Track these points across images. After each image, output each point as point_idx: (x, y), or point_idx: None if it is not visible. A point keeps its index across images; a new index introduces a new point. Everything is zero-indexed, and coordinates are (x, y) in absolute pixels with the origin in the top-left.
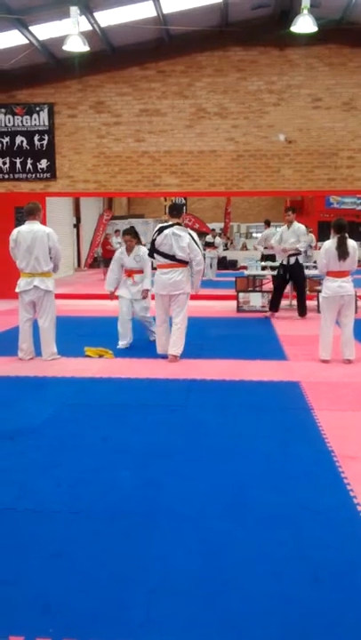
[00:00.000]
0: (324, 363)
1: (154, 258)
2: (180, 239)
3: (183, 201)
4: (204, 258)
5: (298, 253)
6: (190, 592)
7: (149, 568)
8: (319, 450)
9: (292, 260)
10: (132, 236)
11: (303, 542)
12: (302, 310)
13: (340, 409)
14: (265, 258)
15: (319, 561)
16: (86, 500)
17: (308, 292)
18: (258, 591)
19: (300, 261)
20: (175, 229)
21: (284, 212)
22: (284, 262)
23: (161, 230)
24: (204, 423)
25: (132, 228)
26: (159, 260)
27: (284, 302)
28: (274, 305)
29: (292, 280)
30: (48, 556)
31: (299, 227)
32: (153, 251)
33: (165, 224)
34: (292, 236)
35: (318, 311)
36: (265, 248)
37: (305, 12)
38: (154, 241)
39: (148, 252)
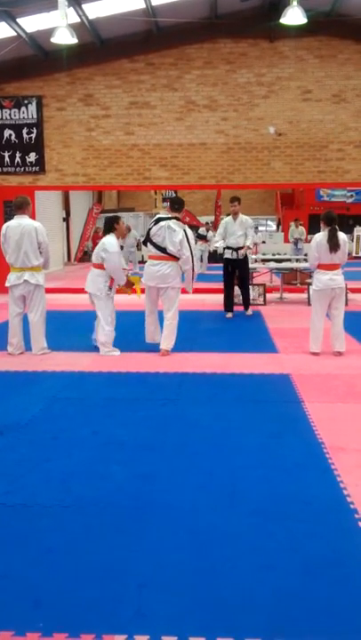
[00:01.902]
0: (315, 355)
1: (147, 247)
2: (174, 234)
3: (174, 194)
4: (192, 253)
5: (246, 248)
6: (181, 585)
7: (140, 562)
8: (309, 442)
9: (241, 253)
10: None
11: (294, 534)
12: (248, 304)
13: (330, 401)
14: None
15: (310, 552)
16: (77, 494)
17: (298, 285)
18: (249, 583)
19: (247, 255)
20: (171, 223)
21: (230, 203)
22: (233, 256)
23: (158, 221)
24: (195, 416)
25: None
26: (150, 250)
27: (274, 295)
28: (230, 305)
29: (236, 274)
30: (39, 550)
31: (246, 219)
32: (147, 240)
33: (164, 215)
34: (239, 228)
35: (309, 304)
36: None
37: (294, 3)
38: (150, 230)
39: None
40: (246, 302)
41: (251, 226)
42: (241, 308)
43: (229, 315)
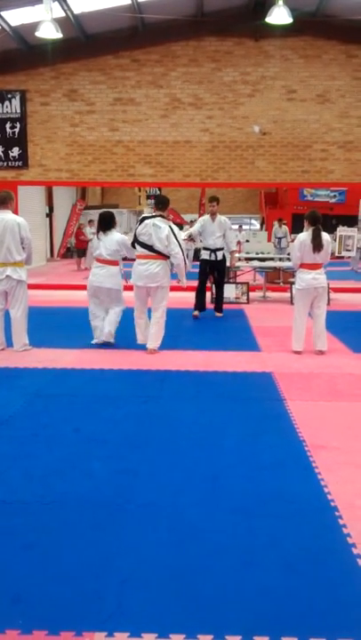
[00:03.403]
0: (297, 354)
1: (135, 248)
2: (160, 230)
3: (158, 191)
4: (181, 247)
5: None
6: (162, 582)
7: (121, 558)
8: (291, 439)
9: (219, 254)
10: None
11: (275, 531)
12: (221, 306)
13: (311, 399)
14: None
15: (291, 549)
16: (58, 490)
17: (281, 284)
18: (230, 580)
19: (226, 256)
20: (156, 220)
21: (209, 203)
22: (211, 258)
23: (143, 220)
24: (177, 414)
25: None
26: (138, 250)
27: (257, 294)
28: (201, 304)
29: (213, 274)
30: (19, 547)
31: (225, 220)
32: (135, 241)
33: (148, 214)
34: (217, 229)
35: (292, 303)
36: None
37: (280, 3)
38: (136, 230)
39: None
40: (219, 304)
41: (230, 227)
42: (228, 307)
43: (196, 313)
